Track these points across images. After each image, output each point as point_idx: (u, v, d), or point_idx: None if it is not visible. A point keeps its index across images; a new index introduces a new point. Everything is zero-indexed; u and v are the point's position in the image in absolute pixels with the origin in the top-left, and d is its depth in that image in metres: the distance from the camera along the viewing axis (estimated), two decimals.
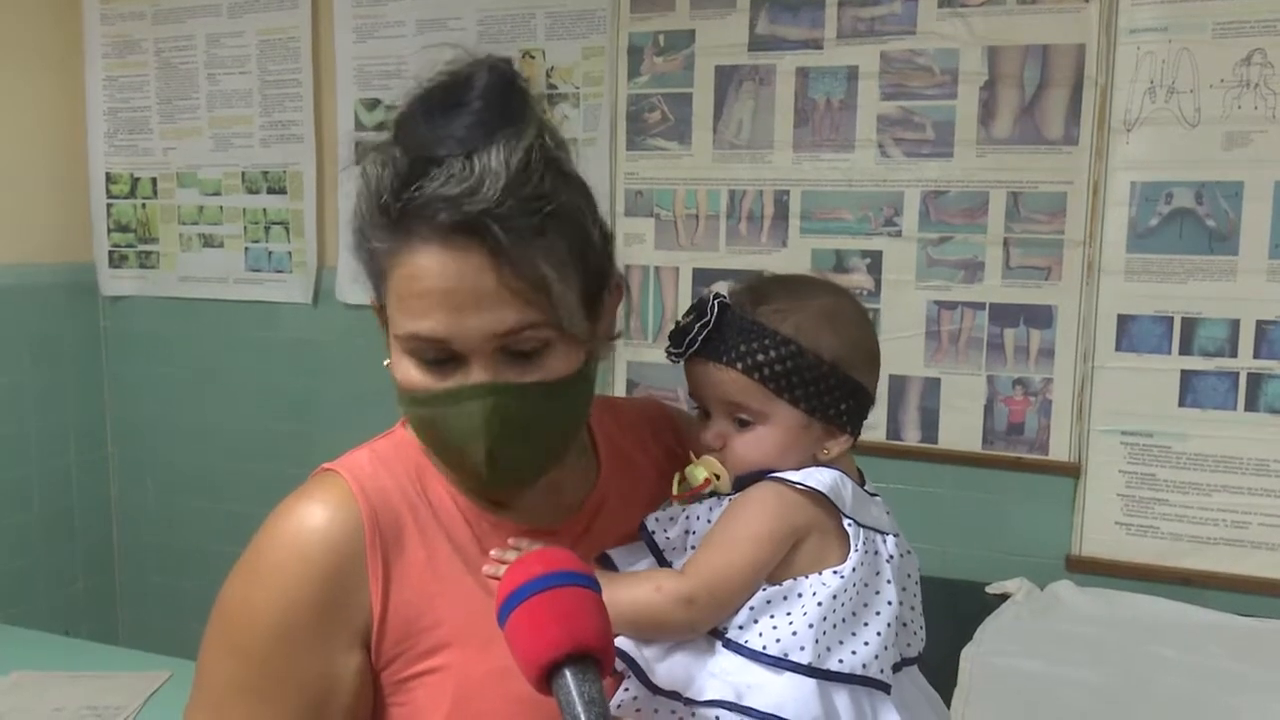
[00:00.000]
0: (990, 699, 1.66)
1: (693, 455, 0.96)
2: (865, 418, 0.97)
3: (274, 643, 0.85)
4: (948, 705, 1.62)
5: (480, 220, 0.80)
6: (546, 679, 0.73)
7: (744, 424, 0.93)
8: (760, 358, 0.91)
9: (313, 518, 0.88)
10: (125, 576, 3.07)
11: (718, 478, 0.94)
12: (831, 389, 0.92)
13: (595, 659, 0.74)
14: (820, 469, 0.93)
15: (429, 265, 0.82)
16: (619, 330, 0.98)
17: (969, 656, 1.77)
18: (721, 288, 0.97)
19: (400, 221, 0.83)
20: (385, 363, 0.94)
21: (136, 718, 1.88)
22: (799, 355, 0.91)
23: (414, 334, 0.84)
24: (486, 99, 0.84)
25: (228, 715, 0.87)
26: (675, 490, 0.95)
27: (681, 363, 0.96)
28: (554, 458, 0.92)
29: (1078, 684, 1.69)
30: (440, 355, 0.84)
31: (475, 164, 0.81)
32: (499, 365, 0.84)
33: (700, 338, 0.93)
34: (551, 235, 0.83)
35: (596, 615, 0.75)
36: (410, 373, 0.86)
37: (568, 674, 0.72)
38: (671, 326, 0.97)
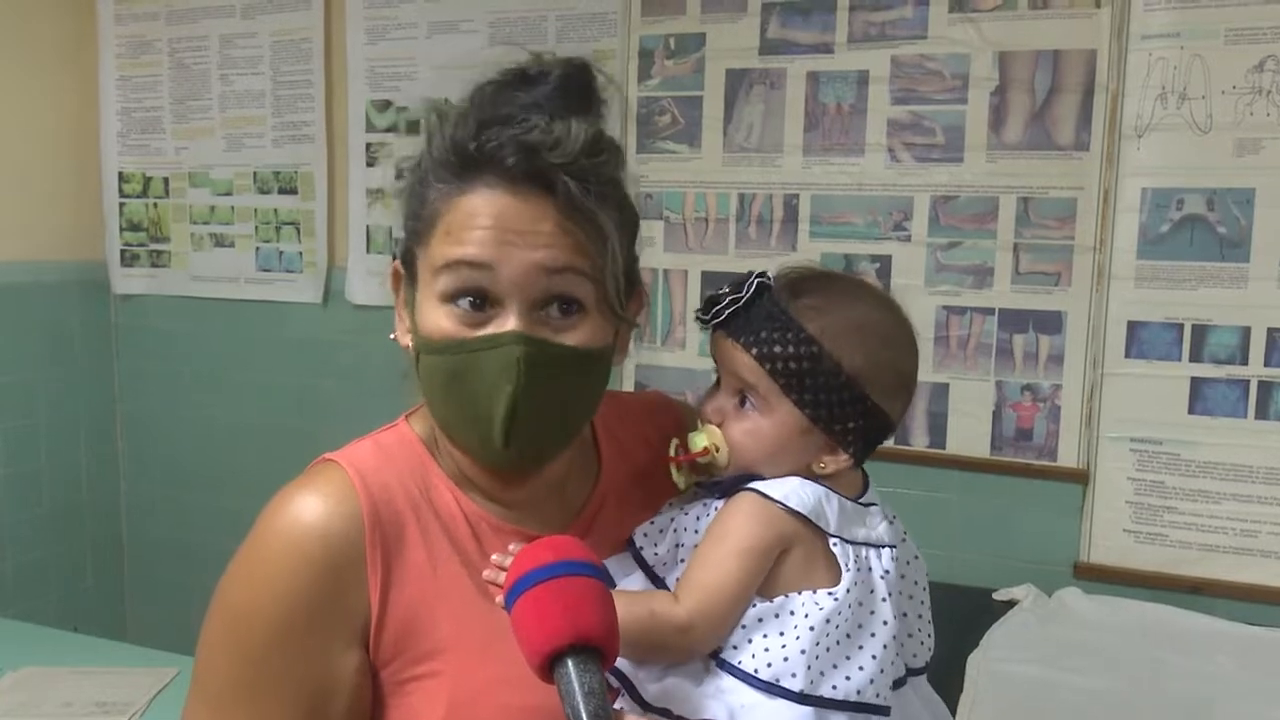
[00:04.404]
0: (997, 705, 1.66)
1: (699, 422, 0.94)
2: (878, 443, 0.93)
3: (272, 640, 0.84)
4: (954, 712, 1.61)
5: (553, 172, 0.82)
6: (549, 667, 0.74)
7: (746, 407, 0.91)
8: (777, 349, 0.88)
9: (311, 511, 0.85)
10: (134, 573, 3.09)
11: (717, 449, 0.92)
12: (843, 403, 0.88)
13: (598, 650, 0.74)
14: (804, 484, 0.90)
15: (488, 205, 0.83)
16: (638, 323, 0.96)
17: (976, 663, 1.76)
18: (770, 269, 0.95)
19: (471, 163, 0.84)
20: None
21: (144, 714, 1.88)
22: (818, 358, 0.88)
23: (456, 259, 0.83)
24: (564, 83, 0.88)
25: (227, 714, 0.86)
26: (671, 453, 0.94)
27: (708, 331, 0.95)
28: (565, 438, 0.91)
29: (1084, 691, 1.69)
30: (477, 296, 0.84)
31: (556, 126, 0.83)
32: (534, 323, 0.84)
33: (728, 311, 0.91)
34: (611, 210, 0.86)
35: (602, 607, 0.75)
36: (441, 322, 0.85)
37: (570, 664, 0.73)
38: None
